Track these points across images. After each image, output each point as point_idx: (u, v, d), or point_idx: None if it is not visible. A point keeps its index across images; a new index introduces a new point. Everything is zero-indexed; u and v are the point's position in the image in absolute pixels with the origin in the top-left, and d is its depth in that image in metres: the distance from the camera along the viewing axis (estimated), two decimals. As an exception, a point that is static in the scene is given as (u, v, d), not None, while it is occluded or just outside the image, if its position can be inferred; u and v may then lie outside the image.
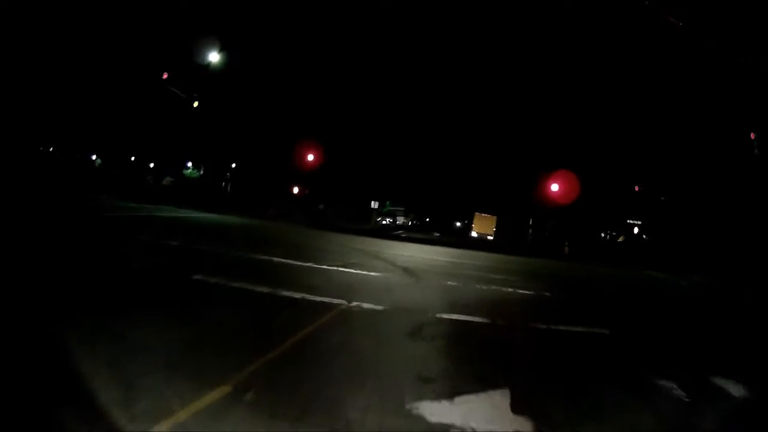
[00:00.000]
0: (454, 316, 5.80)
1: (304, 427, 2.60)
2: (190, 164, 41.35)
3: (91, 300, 4.60)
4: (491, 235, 36.21)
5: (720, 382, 4.30)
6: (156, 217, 15.17)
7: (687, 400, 3.78)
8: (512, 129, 34.49)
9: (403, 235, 28.53)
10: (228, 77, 28.26)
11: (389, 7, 31.28)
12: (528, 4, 29.69)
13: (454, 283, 8.86)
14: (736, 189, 26.92)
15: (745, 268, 20.90)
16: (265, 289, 5.90)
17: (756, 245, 23.56)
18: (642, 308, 9.57)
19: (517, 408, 3.15)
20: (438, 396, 3.22)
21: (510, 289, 8.98)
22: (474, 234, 37.11)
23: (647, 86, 28.90)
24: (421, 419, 2.86)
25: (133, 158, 41.11)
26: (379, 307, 5.77)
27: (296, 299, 5.70)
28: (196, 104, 22.97)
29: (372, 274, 8.74)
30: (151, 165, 39.77)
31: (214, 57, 22.50)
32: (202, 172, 40.28)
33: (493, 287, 9.05)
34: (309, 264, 8.85)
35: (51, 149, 40.18)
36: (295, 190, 36.58)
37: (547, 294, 9.23)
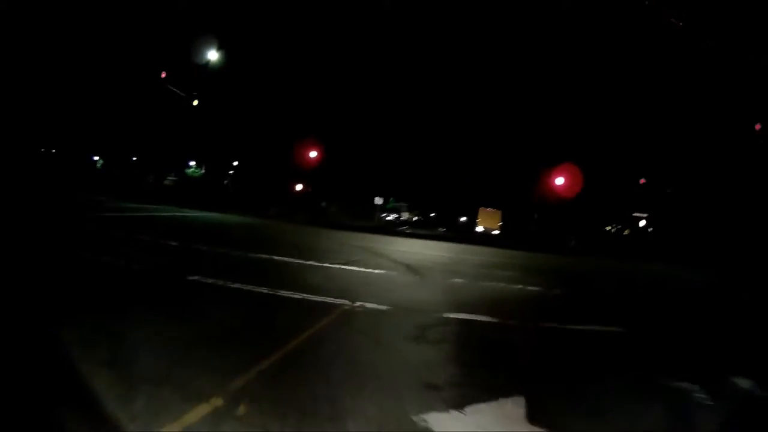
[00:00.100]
0: (461, 316, 5.59)
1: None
2: (192, 163, 41.22)
3: (91, 300, 4.62)
4: (497, 230, 35.79)
5: (743, 383, 4.10)
6: (156, 217, 15.07)
7: (710, 403, 3.58)
8: (516, 123, 34.21)
9: (408, 231, 28.27)
10: (228, 76, 28.15)
11: (389, 7, 31.02)
12: (530, 2, 29.37)
13: (459, 281, 8.64)
14: (741, 180, 26.61)
15: (752, 261, 20.61)
16: (265, 290, 5.74)
17: (763, 237, 23.26)
18: (654, 304, 9.30)
19: (533, 418, 2.91)
20: (446, 405, 3.00)
21: (519, 286, 8.75)
22: (479, 229, 36.65)
23: (651, 79, 28.57)
24: (428, 432, 2.65)
25: (135, 158, 41.13)
26: (383, 307, 5.58)
27: (297, 300, 5.52)
28: (195, 103, 22.79)
29: (375, 272, 8.55)
30: (153, 164, 39.72)
31: (213, 55, 22.29)
32: (204, 171, 40.14)
33: (501, 284, 8.82)
34: (311, 262, 8.68)
35: (53, 151, 40.27)
36: (297, 187, 36.36)
37: (557, 290, 8.97)
